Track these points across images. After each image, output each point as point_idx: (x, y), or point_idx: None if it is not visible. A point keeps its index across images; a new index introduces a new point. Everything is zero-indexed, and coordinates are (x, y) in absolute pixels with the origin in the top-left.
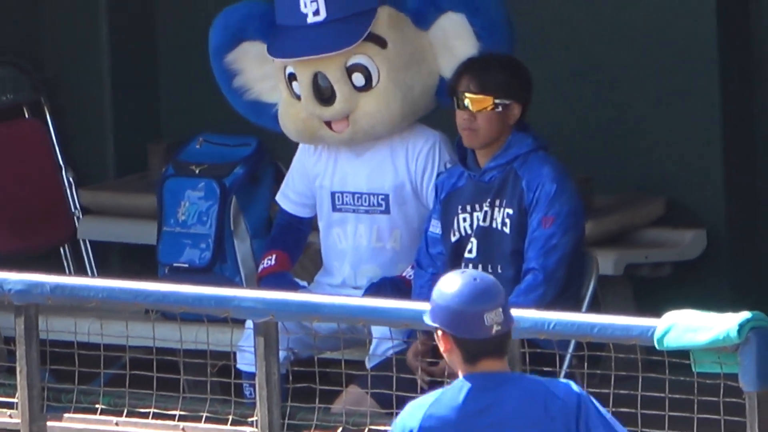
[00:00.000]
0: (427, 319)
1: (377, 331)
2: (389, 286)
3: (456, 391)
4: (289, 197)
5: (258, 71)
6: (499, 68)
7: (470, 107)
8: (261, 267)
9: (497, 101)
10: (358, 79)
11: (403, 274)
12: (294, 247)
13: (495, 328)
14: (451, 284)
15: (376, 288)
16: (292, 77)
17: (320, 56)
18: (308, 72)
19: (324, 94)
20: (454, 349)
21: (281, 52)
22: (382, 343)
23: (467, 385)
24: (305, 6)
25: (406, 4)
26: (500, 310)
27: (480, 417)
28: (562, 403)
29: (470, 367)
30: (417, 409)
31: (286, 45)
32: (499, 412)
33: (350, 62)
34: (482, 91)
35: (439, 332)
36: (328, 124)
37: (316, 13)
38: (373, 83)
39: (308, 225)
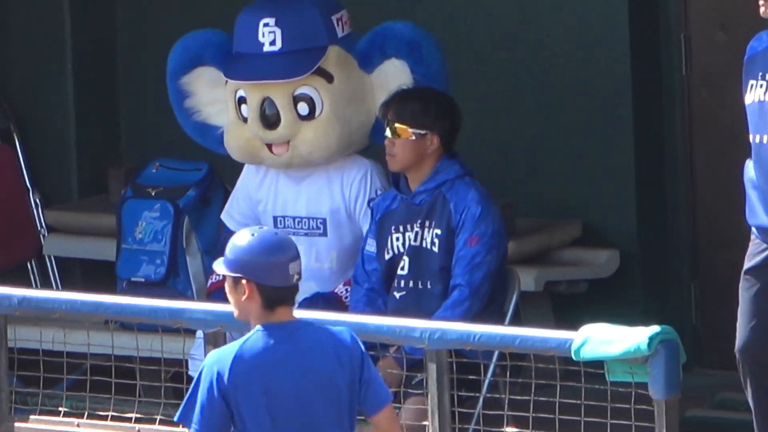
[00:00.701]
0: (223, 270)
1: None
2: (321, 300)
3: (257, 340)
4: (233, 217)
5: (208, 95)
6: (417, 101)
7: (390, 135)
8: (210, 282)
9: (412, 130)
10: (303, 108)
11: (335, 291)
12: None
13: (295, 277)
14: (253, 238)
15: (308, 302)
16: (241, 100)
17: (271, 82)
18: (258, 96)
19: (270, 119)
20: (255, 297)
21: (237, 75)
22: None
23: (266, 334)
24: (263, 36)
25: (354, 47)
26: (299, 261)
27: (282, 364)
28: (350, 351)
29: (268, 314)
30: (225, 355)
31: (241, 69)
32: (299, 360)
33: (297, 92)
34: (399, 120)
35: (242, 282)
36: (269, 146)
37: (273, 43)
38: (316, 114)
39: None
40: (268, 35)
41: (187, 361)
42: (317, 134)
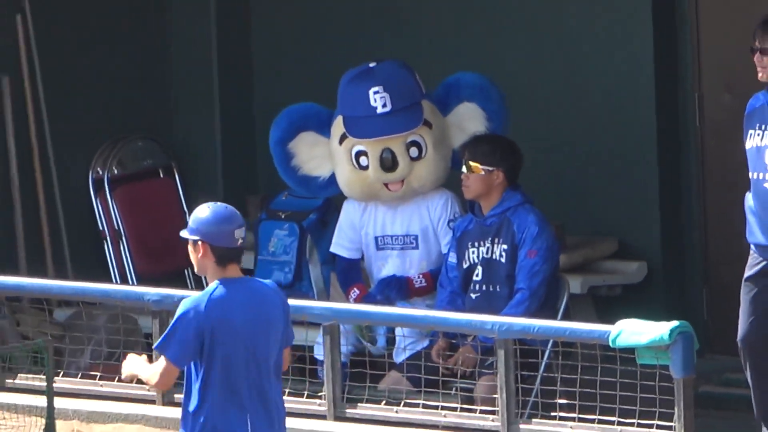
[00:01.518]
0: (186, 235)
1: (400, 331)
2: (394, 282)
3: (221, 289)
4: (344, 246)
5: (308, 154)
6: (487, 144)
7: (465, 170)
8: (352, 297)
9: (482, 167)
10: (414, 152)
11: (410, 276)
12: (361, 278)
13: (239, 242)
14: (208, 211)
15: (385, 282)
16: (359, 153)
17: (394, 136)
18: (379, 148)
19: (387, 164)
20: (208, 255)
21: (363, 134)
22: (403, 341)
23: (226, 286)
24: (375, 101)
25: (433, 97)
26: (243, 228)
27: (241, 306)
28: (283, 302)
29: (221, 270)
30: (199, 300)
31: (365, 129)
32: (254, 304)
33: (409, 140)
34: (473, 159)
35: (199, 243)
36: (386, 185)
37: (384, 105)
38: (423, 155)
39: (359, 263)
40: (380, 100)
41: (312, 346)
42: (428, 171)
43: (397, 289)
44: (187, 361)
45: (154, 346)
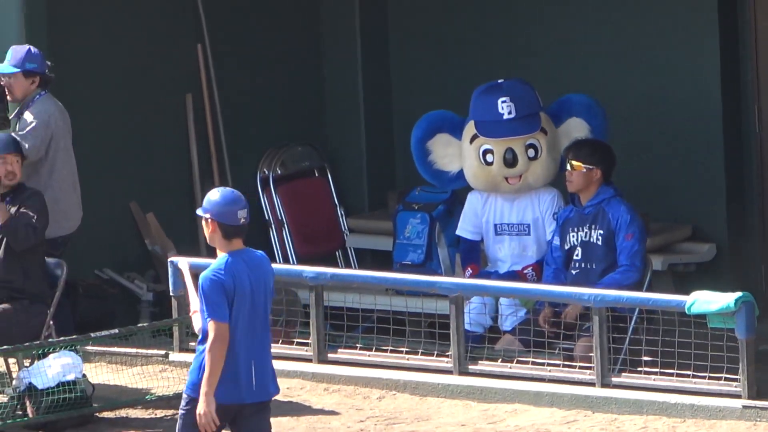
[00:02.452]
0: (200, 212)
1: (505, 301)
2: (509, 276)
3: (231, 259)
4: (468, 230)
5: (442, 152)
6: (588, 147)
7: (569, 168)
8: (467, 275)
9: (584, 166)
10: (531, 153)
11: (523, 271)
12: (478, 259)
13: (242, 220)
14: (218, 194)
15: (508, 274)
16: (486, 152)
17: (516, 138)
18: (503, 147)
19: (510, 162)
20: (217, 231)
21: (492, 135)
22: (508, 310)
23: (234, 256)
24: (502, 109)
25: (548, 110)
26: (246, 210)
27: (249, 272)
28: (270, 264)
29: (227, 243)
30: (218, 269)
31: (493, 131)
32: (256, 270)
33: (528, 142)
34: (576, 158)
35: (209, 220)
36: (506, 179)
37: (510, 113)
38: (539, 155)
39: (479, 244)
40: (506, 108)
41: (434, 314)
42: (541, 169)
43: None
44: (228, 317)
45: (207, 317)
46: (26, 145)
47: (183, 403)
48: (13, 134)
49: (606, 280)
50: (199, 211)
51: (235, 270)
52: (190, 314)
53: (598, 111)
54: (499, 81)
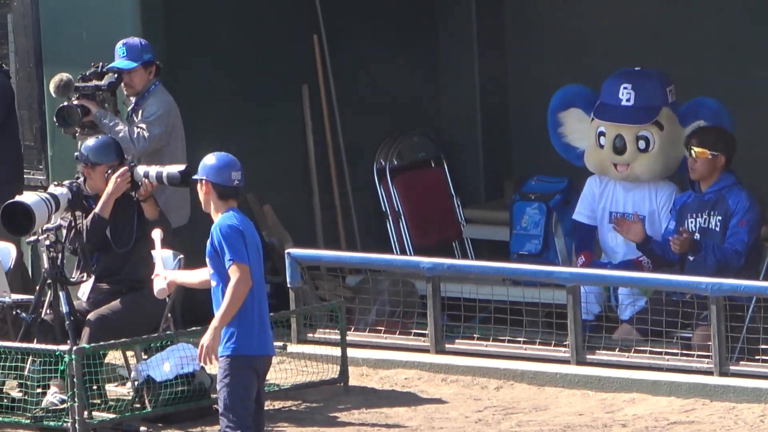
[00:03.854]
0: (197, 176)
1: (624, 291)
2: (631, 263)
3: (236, 213)
4: (583, 214)
5: (574, 126)
6: (713, 134)
7: (693, 155)
8: (579, 263)
9: (710, 153)
10: (642, 144)
11: (638, 259)
12: (592, 245)
13: (235, 182)
14: (213, 158)
15: (623, 263)
16: (601, 134)
17: (626, 125)
18: (614, 132)
19: (619, 148)
20: (212, 192)
21: (605, 117)
22: (627, 299)
23: (235, 212)
24: (622, 94)
25: (678, 111)
26: (240, 172)
27: (250, 225)
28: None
29: (223, 203)
30: (231, 220)
31: (608, 114)
32: (253, 231)
33: (640, 133)
34: (701, 145)
35: (204, 181)
36: (615, 165)
37: (628, 100)
38: (650, 149)
39: (595, 230)
40: (626, 94)
41: (557, 303)
42: (649, 162)
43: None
44: (248, 260)
45: (229, 258)
46: (154, 132)
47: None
48: (138, 122)
49: (711, 247)
50: (196, 176)
51: (243, 224)
52: (153, 277)
53: (725, 117)
54: (636, 68)
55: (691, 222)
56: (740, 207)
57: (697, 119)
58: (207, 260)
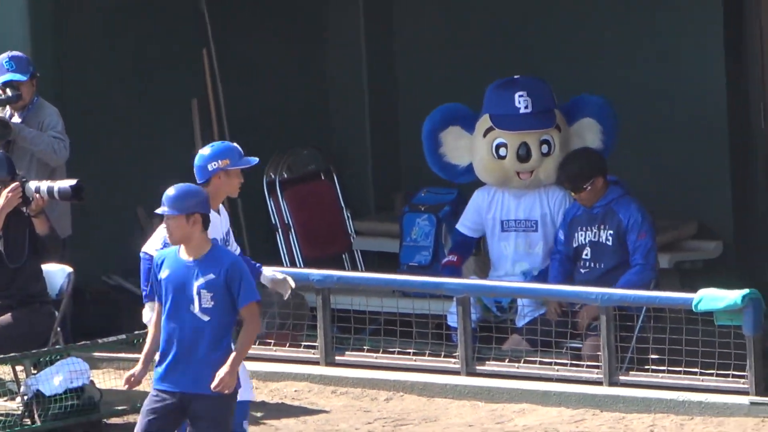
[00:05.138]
0: (182, 212)
1: (521, 301)
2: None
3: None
4: (468, 227)
5: (453, 144)
6: (576, 169)
7: (574, 195)
8: (445, 260)
9: (587, 187)
10: (544, 148)
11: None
12: (466, 254)
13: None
14: (194, 189)
15: (526, 277)
16: (500, 146)
17: (532, 132)
18: (518, 141)
19: (523, 156)
20: (200, 224)
21: (508, 127)
22: (524, 309)
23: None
24: (519, 103)
25: (562, 109)
26: None
27: None
28: None
29: (206, 235)
30: (228, 250)
31: (509, 124)
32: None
33: (542, 138)
34: (575, 191)
35: (197, 215)
36: (518, 174)
37: (527, 107)
38: (552, 152)
39: (474, 242)
40: (523, 102)
41: (446, 315)
42: (554, 166)
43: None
44: None
45: (256, 298)
46: (67, 143)
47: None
48: (50, 134)
49: (622, 283)
50: (175, 213)
51: None
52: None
53: (611, 112)
54: (515, 77)
55: (581, 236)
56: (633, 222)
57: (583, 116)
58: (204, 291)
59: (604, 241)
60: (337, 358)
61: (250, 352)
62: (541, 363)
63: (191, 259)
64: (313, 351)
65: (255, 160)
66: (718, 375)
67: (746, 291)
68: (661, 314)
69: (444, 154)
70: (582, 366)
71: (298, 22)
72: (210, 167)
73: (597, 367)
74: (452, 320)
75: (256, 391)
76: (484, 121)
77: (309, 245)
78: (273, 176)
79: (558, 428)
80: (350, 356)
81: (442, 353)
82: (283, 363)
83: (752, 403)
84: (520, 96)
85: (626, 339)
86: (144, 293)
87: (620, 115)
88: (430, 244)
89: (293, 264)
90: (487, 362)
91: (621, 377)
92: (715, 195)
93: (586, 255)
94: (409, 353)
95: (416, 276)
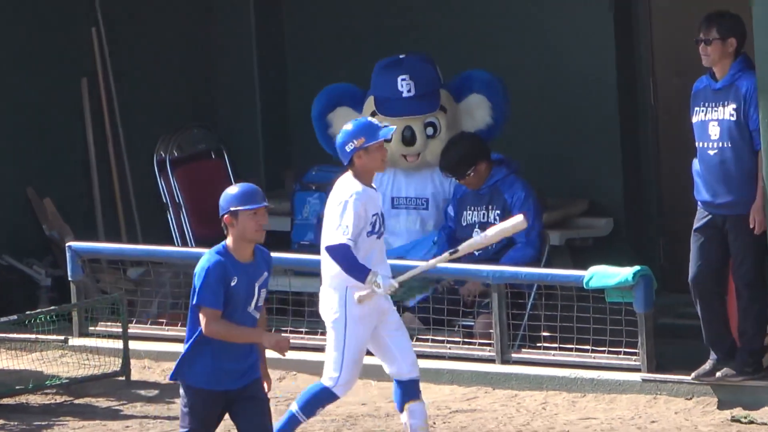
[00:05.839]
0: (255, 206)
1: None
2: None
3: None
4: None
5: (343, 124)
6: (456, 158)
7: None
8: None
9: (470, 173)
10: (430, 131)
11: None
12: None
13: None
14: (234, 188)
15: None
16: None
17: (415, 116)
18: (401, 125)
19: (408, 140)
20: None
21: (391, 112)
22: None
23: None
24: (401, 87)
25: (449, 86)
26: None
27: None
28: None
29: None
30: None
31: (392, 109)
32: None
33: (427, 120)
34: (461, 179)
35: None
36: (404, 156)
37: (409, 91)
38: (437, 134)
39: None
40: (405, 86)
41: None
42: (439, 147)
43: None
44: None
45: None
46: None
47: None
48: None
49: (504, 260)
50: (257, 207)
51: None
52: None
53: (499, 87)
54: (401, 56)
55: (470, 215)
56: (516, 199)
57: (471, 92)
58: (263, 289)
59: (492, 221)
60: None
61: (144, 331)
62: (433, 341)
63: (250, 261)
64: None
65: (392, 129)
66: (609, 352)
67: (637, 268)
68: (552, 291)
69: (334, 135)
70: (474, 344)
71: (186, 2)
72: (348, 148)
73: (489, 344)
74: None
75: (149, 371)
76: (370, 103)
77: (200, 224)
78: (163, 155)
79: (450, 406)
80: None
81: (319, 330)
82: (175, 343)
83: (644, 380)
84: (402, 80)
85: (518, 317)
86: (363, 275)
87: (509, 92)
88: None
89: (184, 243)
90: None
91: (513, 355)
92: (605, 172)
93: (476, 233)
94: (301, 332)
95: (308, 254)
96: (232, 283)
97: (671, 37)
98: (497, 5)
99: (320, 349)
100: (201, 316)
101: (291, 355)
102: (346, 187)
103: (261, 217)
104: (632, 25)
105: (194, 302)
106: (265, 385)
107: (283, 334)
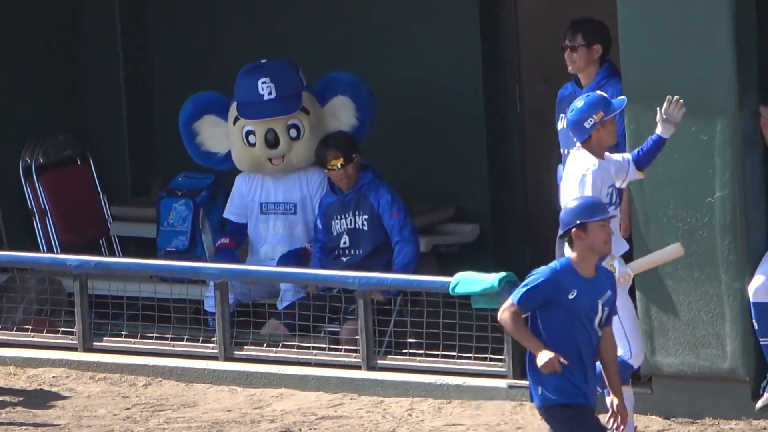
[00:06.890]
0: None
1: (284, 285)
2: (293, 255)
3: None
4: (233, 212)
5: (210, 132)
6: (342, 133)
7: (337, 169)
8: (218, 242)
9: (354, 155)
10: (293, 133)
11: (304, 246)
12: (240, 238)
13: None
14: (575, 202)
15: (285, 258)
16: (249, 132)
17: (276, 118)
18: (264, 128)
19: (271, 142)
20: None
21: (251, 116)
22: (287, 293)
23: None
24: (262, 89)
25: (313, 90)
26: None
27: None
28: None
29: None
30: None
31: (253, 112)
32: None
33: (290, 122)
34: (335, 158)
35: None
36: (270, 160)
37: (270, 93)
38: (301, 136)
39: (245, 227)
40: (266, 88)
41: (203, 300)
42: (304, 149)
43: (296, 258)
44: None
45: None
46: None
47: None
48: None
49: (396, 269)
50: (606, 218)
51: None
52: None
53: (363, 89)
54: (262, 61)
55: (338, 224)
56: (384, 202)
57: (335, 94)
58: (607, 307)
59: (360, 227)
60: (95, 344)
61: (9, 338)
62: (299, 347)
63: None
64: (71, 337)
65: (623, 100)
66: (475, 358)
67: (503, 274)
68: (418, 298)
69: (202, 143)
70: (340, 350)
71: (49, 1)
72: (587, 124)
73: (355, 351)
74: (210, 305)
75: (15, 377)
76: (233, 110)
77: (66, 230)
78: (29, 161)
79: (316, 413)
80: (108, 342)
81: (200, 338)
82: (40, 349)
83: (510, 387)
84: (263, 83)
85: (384, 323)
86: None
87: (376, 99)
88: (187, 229)
89: (50, 249)
90: (245, 347)
91: (379, 361)
92: (471, 179)
93: (345, 243)
94: (167, 338)
95: (174, 261)
96: (571, 296)
97: (538, 43)
98: (362, 7)
99: (186, 355)
100: (508, 302)
101: (156, 361)
102: (583, 161)
103: (609, 228)
104: (499, 31)
105: (513, 300)
106: None
107: (551, 355)
